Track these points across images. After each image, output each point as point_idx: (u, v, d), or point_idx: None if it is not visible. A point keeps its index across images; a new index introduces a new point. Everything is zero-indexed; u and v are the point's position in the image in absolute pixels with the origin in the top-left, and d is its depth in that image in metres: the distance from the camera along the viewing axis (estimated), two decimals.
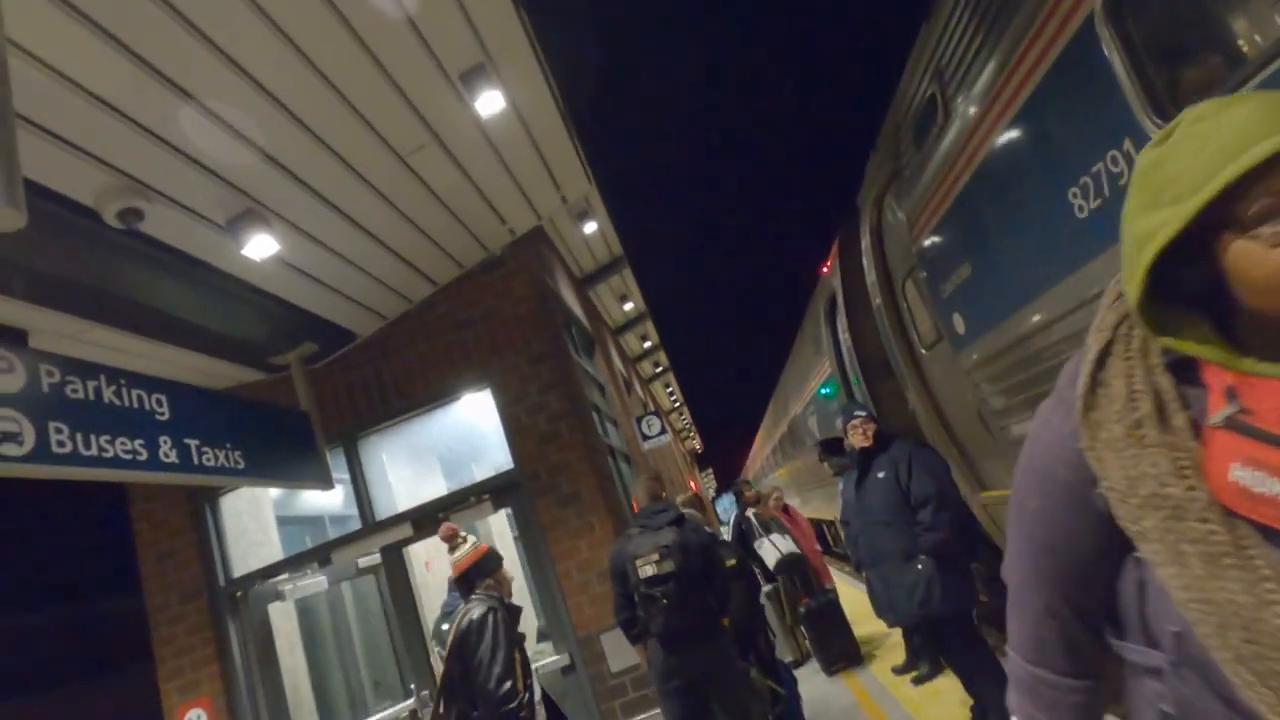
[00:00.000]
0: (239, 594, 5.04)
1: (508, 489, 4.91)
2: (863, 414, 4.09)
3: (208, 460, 3.58)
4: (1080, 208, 2.47)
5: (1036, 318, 2.89)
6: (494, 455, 5.14)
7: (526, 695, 2.73)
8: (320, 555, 5.01)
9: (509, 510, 4.96)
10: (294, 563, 5.05)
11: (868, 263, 5.27)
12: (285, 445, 4.37)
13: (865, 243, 5.26)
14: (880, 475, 3.90)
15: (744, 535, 7.37)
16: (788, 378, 11.83)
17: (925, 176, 3.73)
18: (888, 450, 3.94)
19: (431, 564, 8.20)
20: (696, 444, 41.66)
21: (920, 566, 3.63)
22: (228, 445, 3.77)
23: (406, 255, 4.73)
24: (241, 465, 3.82)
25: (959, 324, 3.72)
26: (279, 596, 4.98)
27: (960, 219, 3.36)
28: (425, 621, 7.38)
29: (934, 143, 3.55)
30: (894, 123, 4.30)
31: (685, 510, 4.95)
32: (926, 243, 3.85)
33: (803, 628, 6.39)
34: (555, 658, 4.65)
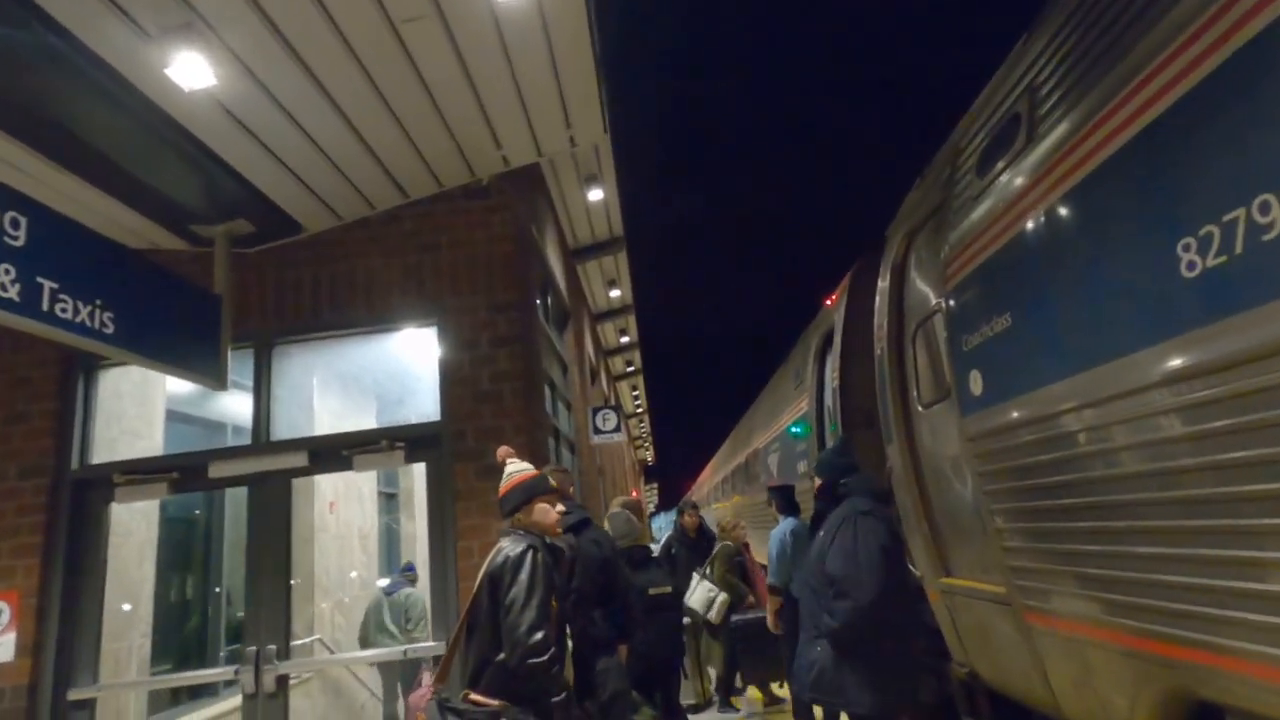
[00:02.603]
0: (88, 483, 4.33)
1: (427, 442, 4.28)
2: (810, 467, 3.62)
3: (63, 311, 2.91)
4: (1191, 264, 1.97)
5: (1094, 392, 2.37)
6: (422, 402, 4.51)
7: (557, 650, 2.42)
8: (191, 463, 4.32)
9: (424, 465, 4.33)
10: (161, 464, 4.35)
11: (881, 300, 4.77)
12: (180, 326, 3.70)
13: (884, 278, 4.76)
14: (820, 534, 3.43)
15: (671, 560, 6.85)
16: (757, 408, 11.34)
17: (981, 208, 3.22)
18: (838, 507, 3.47)
19: (337, 506, 7.53)
20: (649, 455, 41.11)
21: (819, 648, 3.14)
22: (97, 302, 3.10)
23: (377, 149, 4.09)
24: (110, 330, 3.15)
25: (975, 383, 3.20)
26: (110, 498, 4.25)
27: (1016, 259, 2.85)
28: (312, 573, 6.71)
29: (1004, 169, 3.04)
30: (955, 146, 3.80)
31: (614, 512, 4.38)
32: (962, 283, 3.34)
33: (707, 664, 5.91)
34: (430, 644, 4.03)
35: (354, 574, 7.19)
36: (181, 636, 5.45)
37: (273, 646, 3.98)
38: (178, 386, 5.38)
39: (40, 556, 4.10)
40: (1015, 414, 2.84)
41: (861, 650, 3.03)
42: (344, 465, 4.27)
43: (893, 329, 4.54)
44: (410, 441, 4.27)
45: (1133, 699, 2.52)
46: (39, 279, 2.81)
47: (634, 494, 20.66)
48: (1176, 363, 2.00)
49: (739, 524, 6.56)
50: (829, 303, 6.56)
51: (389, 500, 9.25)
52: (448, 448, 4.18)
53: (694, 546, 6.49)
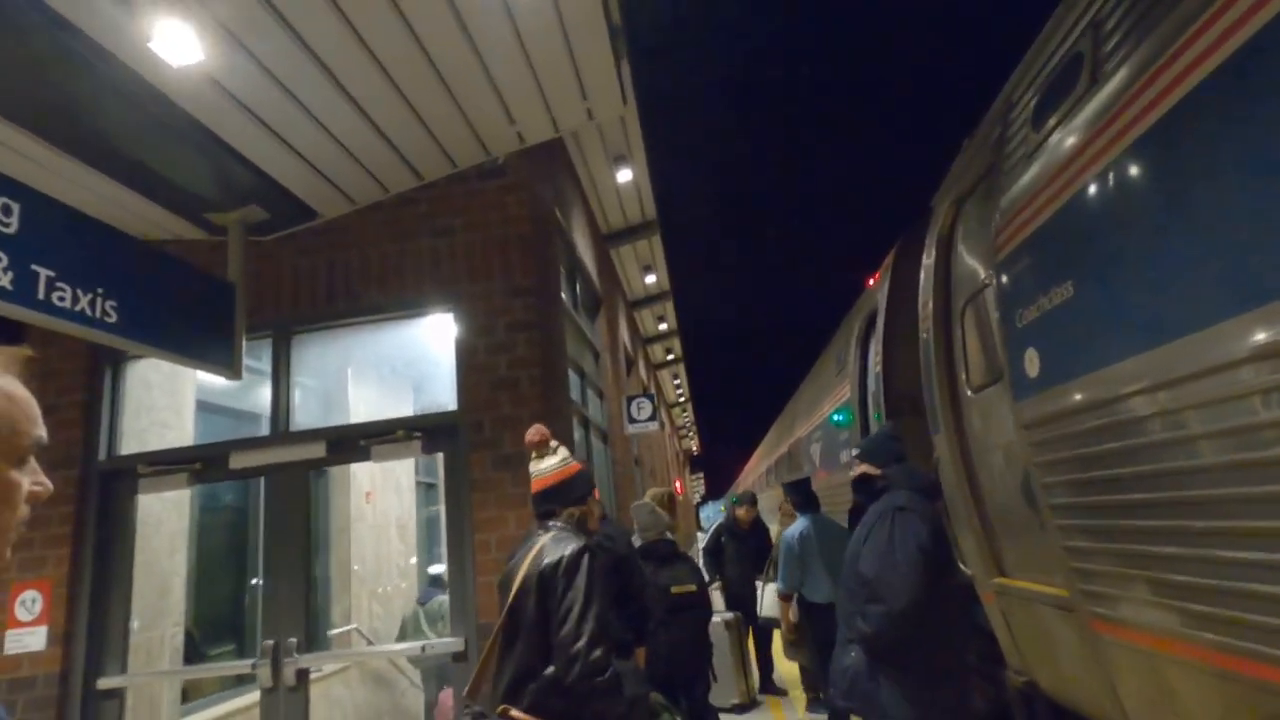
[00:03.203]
0: (115, 474, 4.35)
1: (444, 432, 4.14)
2: (854, 452, 3.31)
3: (61, 300, 2.85)
4: None
5: (1174, 370, 2.03)
6: (439, 391, 4.38)
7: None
8: (212, 454, 4.29)
9: (442, 455, 4.19)
10: (184, 455, 4.33)
11: (926, 276, 4.39)
12: (192, 315, 3.63)
13: (929, 251, 4.39)
14: (859, 531, 3.14)
15: (719, 549, 6.59)
16: (800, 396, 10.95)
17: (1037, 165, 2.85)
18: (877, 500, 3.16)
19: (374, 496, 7.53)
20: (694, 445, 40.80)
21: (853, 654, 2.85)
22: (99, 290, 3.03)
23: (386, 129, 3.94)
24: (113, 319, 3.09)
25: (1031, 363, 2.85)
26: (136, 489, 4.26)
27: (1079, 220, 2.49)
28: (349, 562, 6.72)
29: (1064, 119, 2.67)
30: (1006, 100, 3.42)
31: (638, 503, 4.16)
32: (1016, 251, 2.98)
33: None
34: (449, 639, 3.90)
35: (357, 568, 7.16)
36: (217, 627, 5.49)
37: (293, 639, 3.92)
38: (209, 378, 5.40)
39: (70, 547, 4.14)
40: (1078, 396, 2.50)
41: (898, 658, 2.75)
42: (362, 456, 4.18)
43: (939, 307, 4.17)
44: (427, 431, 4.14)
45: None
46: (34, 266, 2.74)
47: (677, 484, 20.44)
48: (1276, 333, 1.66)
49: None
50: (871, 283, 6.18)
51: (429, 490, 9.26)
52: (464, 437, 4.03)
53: (744, 539, 6.26)
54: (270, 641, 3.89)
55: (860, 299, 6.57)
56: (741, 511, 6.33)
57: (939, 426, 4.07)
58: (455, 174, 4.44)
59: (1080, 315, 2.49)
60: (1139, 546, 2.34)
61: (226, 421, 5.77)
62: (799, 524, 4.99)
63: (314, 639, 6.15)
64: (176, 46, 2.77)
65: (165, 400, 4.96)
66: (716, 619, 5.55)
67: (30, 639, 4.00)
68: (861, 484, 3.13)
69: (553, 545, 2.19)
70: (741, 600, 6.00)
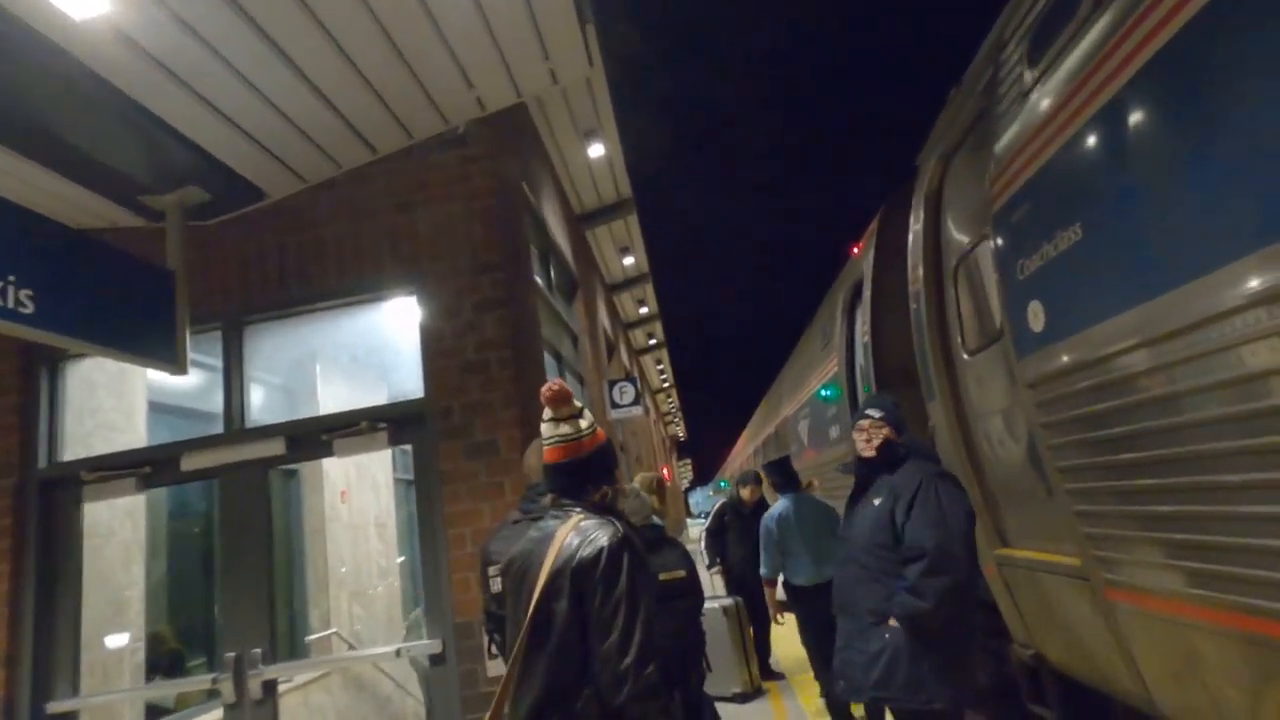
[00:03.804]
0: (56, 482, 4.04)
1: (411, 422, 3.88)
2: (876, 414, 3.06)
3: None
4: None
5: (1199, 311, 1.82)
6: (405, 379, 4.11)
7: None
8: (162, 456, 4.00)
9: (408, 448, 3.93)
10: (131, 459, 4.03)
11: (914, 238, 4.20)
12: (126, 306, 3.33)
13: (917, 212, 4.18)
14: (875, 501, 2.89)
15: (722, 530, 6.38)
16: (786, 374, 10.78)
17: (1035, 102, 2.64)
18: (894, 470, 2.91)
19: (349, 494, 7.24)
20: (680, 431, 40.71)
21: (888, 635, 2.64)
22: (10, 278, 2.72)
23: (334, 98, 3.64)
24: (29, 310, 2.78)
25: (1035, 317, 2.65)
26: (80, 497, 3.96)
27: (1087, 155, 2.28)
28: (325, 564, 6.44)
29: (1065, 48, 2.45)
30: (997, 40, 3.20)
31: (629, 492, 3.93)
32: (1015, 198, 2.77)
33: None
34: (425, 642, 3.66)
35: (343, 569, 6.89)
36: (186, 640, 5.20)
37: (257, 650, 3.66)
38: (162, 377, 5.07)
39: (10, 562, 3.84)
40: (1089, 349, 2.30)
41: (949, 633, 2.58)
42: (325, 451, 3.91)
43: (929, 269, 3.97)
44: (393, 422, 3.88)
45: (1256, 695, 2.00)
46: None
47: (664, 470, 20.29)
48: None
49: (811, 481, 6.16)
50: (855, 251, 5.98)
51: (409, 487, 8.98)
52: (432, 426, 3.77)
53: (748, 520, 6.11)
54: (232, 654, 3.62)
55: (845, 269, 6.38)
56: (746, 491, 6.14)
57: (934, 394, 3.88)
58: (413, 146, 4.14)
59: (1090, 260, 2.28)
60: (1159, 507, 2.15)
61: (185, 423, 5.45)
62: (778, 505, 4.82)
63: (289, 646, 5.90)
64: None
65: (112, 402, 4.64)
66: (714, 605, 5.37)
67: None
68: (886, 451, 2.91)
69: (582, 535, 1.79)
70: (744, 583, 5.81)
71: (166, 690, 4.39)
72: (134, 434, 4.71)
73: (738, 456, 24.66)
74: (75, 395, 4.35)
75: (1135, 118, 2.09)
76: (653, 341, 15.89)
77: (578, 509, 1.88)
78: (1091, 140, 2.27)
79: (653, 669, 1.68)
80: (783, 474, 5.02)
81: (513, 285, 4.00)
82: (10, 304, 2.71)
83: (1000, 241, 2.92)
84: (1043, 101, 2.58)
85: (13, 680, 3.71)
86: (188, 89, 3.29)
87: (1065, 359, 2.45)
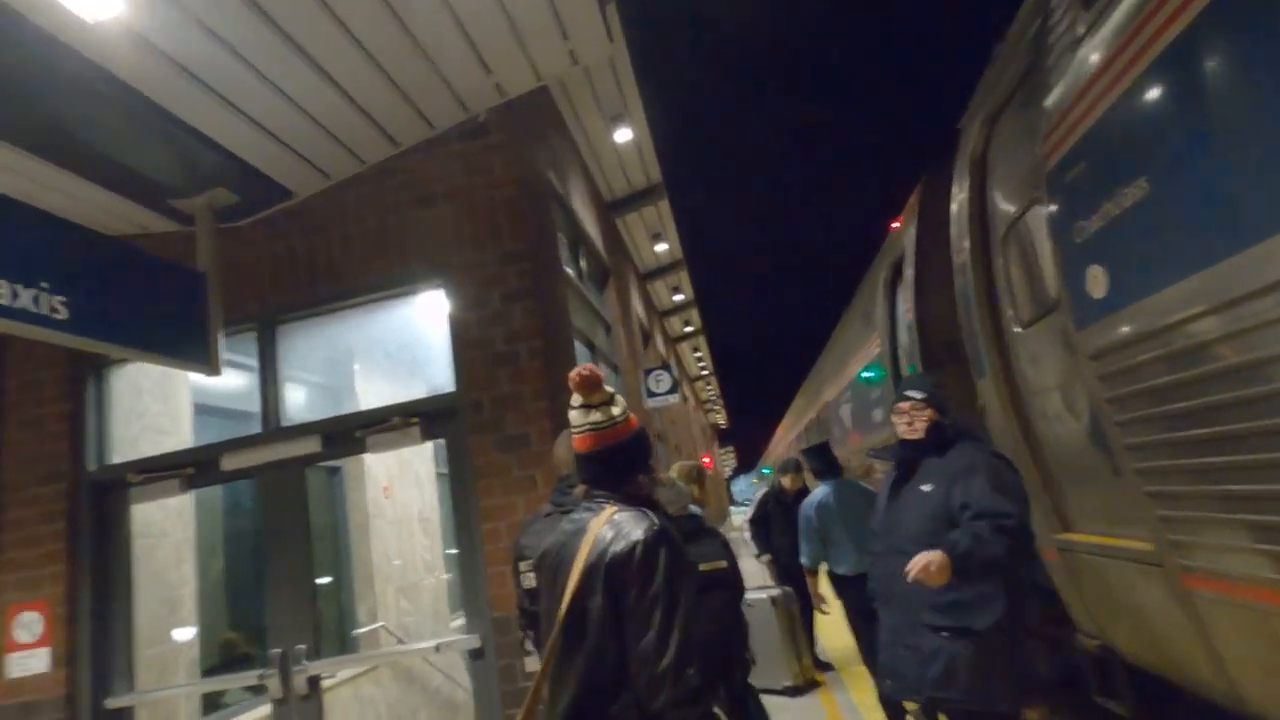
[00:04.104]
0: (107, 484, 4.14)
1: (443, 416, 3.85)
2: (917, 395, 2.88)
3: None
4: None
5: (1274, 267, 1.63)
6: (437, 373, 4.08)
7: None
8: (204, 457, 4.05)
9: (442, 442, 3.91)
10: (175, 460, 4.10)
11: (959, 208, 3.97)
12: (160, 309, 3.36)
13: (960, 180, 3.95)
14: (925, 488, 2.71)
15: (766, 519, 6.18)
16: (827, 357, 10.52)
17: (1092, 47, 2.42)
18: (944, 454, 2.74)
19: (392, 490, 7.32)
20: (721, 419, 40.42)
21: (943, 636, 2.48)
22: (42, 285, 2.76)
23: (353, 92, 3.60)
24: (63, 316, 2.82)
25: (1096, 283, 2.44)
26: (128, 499, 4.05)
27: (1151, 100, 2.07)
28: (370, 559, 6.52)
29: None
30: None
31: (668, 481, 3.83)
32: (1070, 155, 2.56)
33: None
34: (463, 637, 3.64)
35: (397, 562, 6.97)
36: (235, 637, 5.32)
37: (301, 646, 3.69)
38: (205, 380, 5.17)
39: (66, 564, 3.95)
40: (1157, 316, 2.09)
41: (1007, 637, 2.43)
42: (358, 448, 3.91)
43: (976, 239, 3.75)
44: (425, 416, 3.85)
45: None
46: None
47: (706, 459, 20.16)
48: None
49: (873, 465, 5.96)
50: (895, 226, 5.74)
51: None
52: (464, 420, 3.73)
53: (792, 508, 5.92)
54: (277, 650, 3.66)
55: (885, 245, 6.13)
56: (787, 479, 5.93)
57: (984, 371, 3.67)
58: (435, 138, 4.09)
59: (1158, 217, 2.07)
60: (1242, 486, 1.95)
61: (229, 423, 5.55)
62: (818, 492, 4.65)
63: (338, 640, 5.99)
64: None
65: (158, 405, 4.74)
66: (762, 596, 5.22)
67: (33, 661, 3.82)
68: (935, 432, 2.75)
69: (615, 529, 1.69)
70: (790, 574, 5.66)
71: (218, 686, 4.48)
72: (180, 436, 4.81)
73: (780, 443, 24.35)
74: (122, 400, 4.45)
75: (1206, 58, 1.88)
76: (689, 329, 15.72)
77: (611, 500, 1.78)
78: (1156, 86, 2.06)
79: (693, 671, 1.58)
80: (822, 460, 4.85)
81: (540, 274, 3.93)
82: (44, 310, 2.74)
83: (1054, 204, 2.71)
84: (1099, 48, 2.36)
85: (73, 678, 3.82)
86: (212, 92, 3.29)
87: (1131, 328, 2.25)
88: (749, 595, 5.08)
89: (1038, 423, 3.36)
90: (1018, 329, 3.38)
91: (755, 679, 4.91)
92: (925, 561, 2.35)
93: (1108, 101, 2.27)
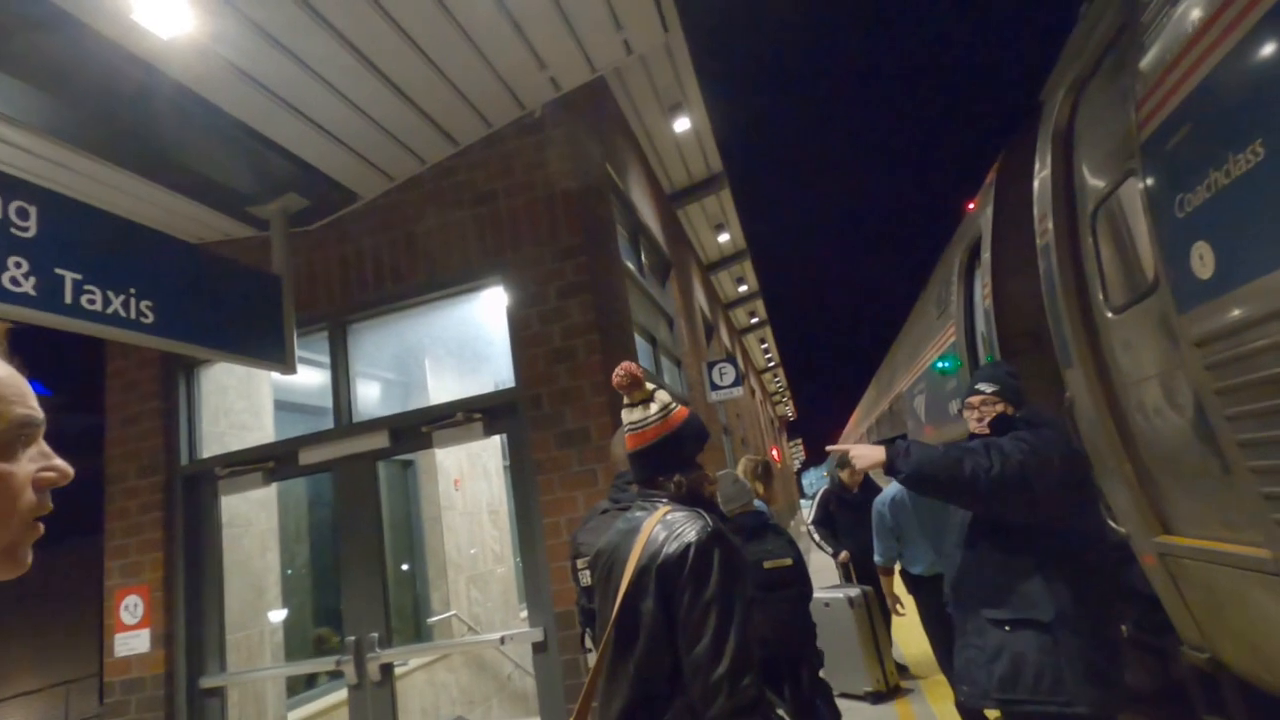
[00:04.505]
0: (197, 477, 4.40)
1: (504, 412, 3.89)
2: (987, 389, 2.71)
3: (91, 303, 2.75)
4: None
5: None
6: (499, 369, 4.12)
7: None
8: (283, 452, 4.25)
9: (506, 436, 3.95)
10: (257, 454, 4.31)
11: (1042, 184, 3.69)
12: (237, 311, 3.52)
13: (1043, 154, 3.68)
14: None
15: (829, 520, 5.88)
16: (899, 347, 10.11)
17: (1192, 2, 2.18)
18: None
19: (462, 483, 7.52)
20: (790, 411, 39.67)
21: (1006, 631, 2.31)
22: (131, 291, 2.93)
23: (413, 95, 3.67)
24: (150, 320, 2.99)
25: (1202, 261, 2.21)
26: (217, 491, 4.28)
27: (1265, 56, 1.84)
28: (443, 550, 6.72)
29: None
30: None
31: (720, 473, 3.74)
32: (1170, 122, 2.32)
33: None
34: (527, 630, 3.68)
35: (473, 550, 7.14)
36: (323, 622, 5.58)
37: (374, 634, 3.82)
38: (285, 378, 5.43)
39: (163, 551, 4.22)
40: (1275, 297, 1.87)
41: (1080, 629, 2.25)
42: (424, 443, 4.00)
43: (1061, 217, 3.48)
44: (487, 412, 3.90)
45: None
46: (57, 270, 2.65)
47: (774, 452, 19.82)
48: None
49: None
50: (971, 207, 5.42)
51: None
52: (524, 415, 3.76)
53: (857, 505, 5.59)
54: (352, 638, 3.80)
55: (960, 228, 5.81)
56: (845, 474, 5.66)
57: (1071, 359, 3.41)
58: (492, 136, 4.13)
59: (1276, 185, 1.84)
60: None
61: (307, 419, 5.82)
62: (892, 488, 4.44)
63: (413, 627, 6.20)
64: (161, 16, 2.56)
65: (242, 403, 5.00)
66: (839, 595, 5.00)
67: (135, 641, 4.11)
68: (1000, 425, 2.59)
69: (668, 529, 1.64)
70: (863, 576, 5.39)
71: (300, 670, 4.70)
72: (262, 432, 5.06)
73: (851, 436, 23.69)
74: (210, 398, 4.71)
75: None
76: (755, 320, 15.46)
77: (664, 499, 1.74)
78: (1271, 39, 1.83)
79: (750, 680, 1.51)
80: None
81: (597, 268, 3.90)
82: (132, 315, 2.91)
83: (1152, 175, 2.46)
84: (1202, 1, 2.12)
85: (171, 658, 4.09)
86: (280, 100, 3.41)
87: (1243, 311, 2.01)
88: (825, 594, 4.91)
89: (1133, 415, 3.09)
90: (1110, 314, 3.12)
91: (834, 684, 4.73)
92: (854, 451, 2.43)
93: (1214, 58, 2.04)
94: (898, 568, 4.53)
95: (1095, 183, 3.14)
